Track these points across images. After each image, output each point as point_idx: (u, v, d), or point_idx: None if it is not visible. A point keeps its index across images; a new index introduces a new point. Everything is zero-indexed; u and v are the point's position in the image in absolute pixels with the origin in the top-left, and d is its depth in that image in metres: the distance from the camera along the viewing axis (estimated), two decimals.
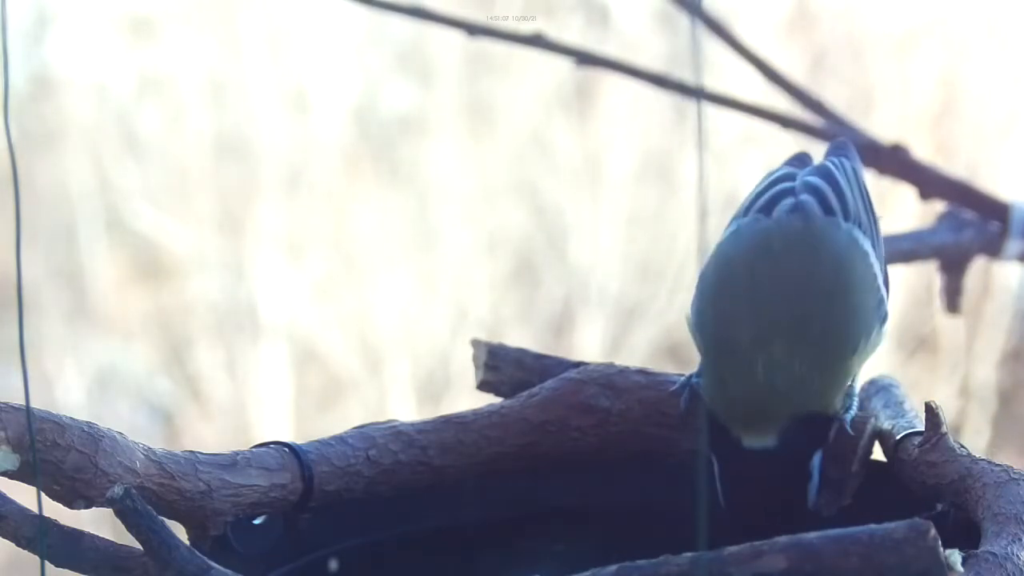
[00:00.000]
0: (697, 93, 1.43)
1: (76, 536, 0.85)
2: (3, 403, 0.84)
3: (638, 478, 0.98)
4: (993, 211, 1.48)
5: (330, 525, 0.94)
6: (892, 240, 1.03)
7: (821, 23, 4.15)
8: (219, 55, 4.22)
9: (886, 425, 0.95)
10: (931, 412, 0.91)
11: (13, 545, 0.84)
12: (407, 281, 4.08)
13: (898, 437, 0.94)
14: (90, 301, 4.15)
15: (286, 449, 0.92)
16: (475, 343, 1.03)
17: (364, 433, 0.95)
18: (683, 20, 3.32)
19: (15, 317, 0.79)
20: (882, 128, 2.48)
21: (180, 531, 0.86)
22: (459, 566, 0.99)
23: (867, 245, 0.95)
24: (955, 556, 0.76)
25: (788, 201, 0.95)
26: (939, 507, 0.90)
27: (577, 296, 4.08)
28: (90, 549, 0.84)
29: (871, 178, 1.46)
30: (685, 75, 1.45)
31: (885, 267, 0.97)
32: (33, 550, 0.84)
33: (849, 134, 1.45)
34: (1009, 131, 4.01)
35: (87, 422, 0.86)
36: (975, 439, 3.73)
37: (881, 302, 0.94)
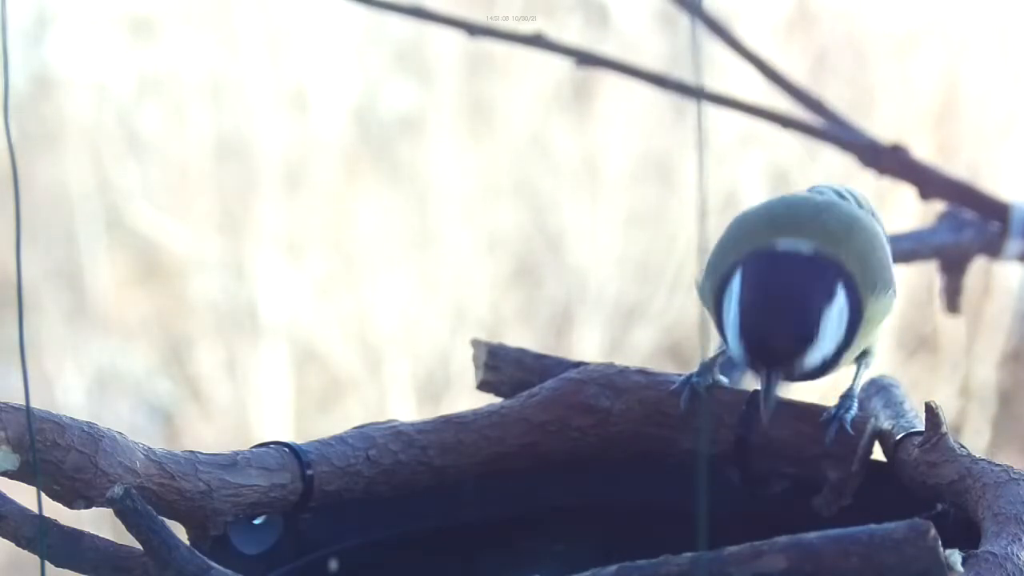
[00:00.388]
0: (697, 93, 1.43)
1: (76, 536, 0.85)
2: (3, 403, 0.84)
3: (638, 478, 0.98)
4: (993, 211, 1.48)
5: (330, 525, 0.94)
6: (892, 240, 1.03)
7: (821, 23, 4.15)
8: (219, 55, 4.22)
9: (886, 425, 0.95)
10: (931, 412, 0.91)
11: (13, 545, 0.84)
12: (407, 281, 4.08)
13: (898, 437, 0.94)
14: (90, 301, 4.15)
15: (286, 449, 0.92)
16: (475, 343, 1.03)
17: (364, 433, 0.95)
18: (683, 20, 3.32)
19: (15, 317, 0.79)
20: (883, 128, 2.48)
21: (180, 531, 0.86)
22: (459, 566, 1.00)
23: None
24: (955, 556, 0.76)
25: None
26: (939, 507, 0.90)
27: (576, 296, 4.09)
28: (90, 549, 0.84)
29: (871, 178, 1.47)
30: (685, 75, 1.45)
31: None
32: (33, 550, 0.84)
33: (849, 134, 1.46)
34: (1010, 131, 4.01)
35: (87, 422, 0.86)
36: (975, 439, 3.73)
37: (892, 276, 0.96)
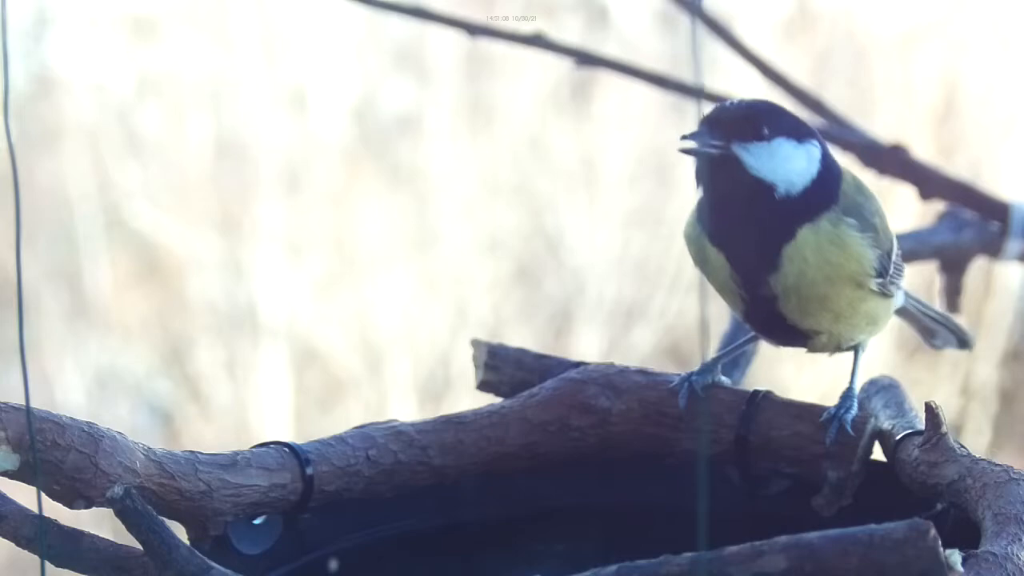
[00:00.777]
0: (697, 93, 1.43)
1: (76, 536, 0.85)
2: (3, 403, 0.84)
3: (638, 478, 0.98)
4: (993, 211, 1.48)
5: (330, 525, 0.94)
6: None
7: (822, 23, 4.15)
8: (218, 55, 4.22)
9: (886, 425, 0.95)
10: (931, 412, 0.91)
11: (13, 545, 0.84)
12: (407, 281, 4.08)
13: (898, 437, 0.94)
14: (90, 301, 4.15)
15: (286, 449, 0.92)
16: (475, 343, 1.03)
17: (364, 433, 0.95)
18: (683, 20, 3.32)
19: (15, 317, 0.79)
20: (883, 128, 2.48)
21: (180, 531, 0.86)
22: (459, 566, 0.99)
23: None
24: (955, 556, 0.76)
25: None
26: (939, 507, 0.90)
27: (576, 296, 4.08)
28: (90, 549, 0.85)
29: (871, 178, 1.47)
30: (685, 75, 1.45)
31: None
32: (33, 550, 0.84)
33: (849, 134, 1.45)
34: (1010, 131, 4.01)
35: (87, 422, 0.86)
36: (975, 439, 3.73)
37: (895, 262, 0.97)
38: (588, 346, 3.94)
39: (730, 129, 0.93)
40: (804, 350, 0.99)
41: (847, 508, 0.93)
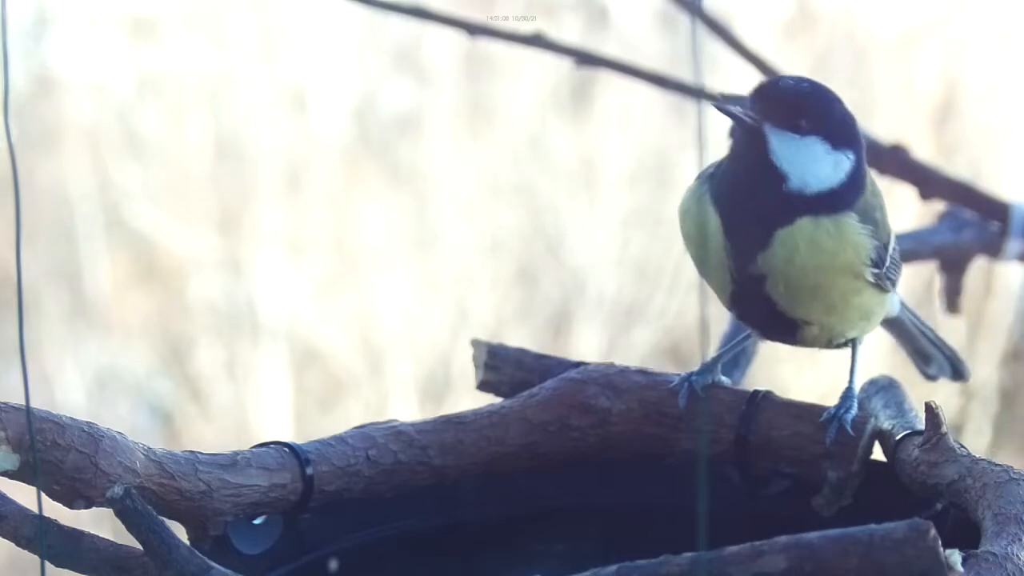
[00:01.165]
0: (697, 93, 1.43)
1: (76, 536, 0.85)
2: (3, 403, 0.84)
3: (638, 478, 0.98)
4: (993, 211, 1.48)
5: (330, 525, 0.94)
6: None
7: (821, 23, 4.15)
8: (218, 55, 4.22)
9: (886, 425, 0.95)
10: (931, 412, 0.91)
11: (13, 545, 0.84)
12: (407, 281, 4.08)
13: (898, 437, 0.94)
14: (90, 301, 4.15)
15: (286, 449, 0.92)
16: (475, 343, 1.03)
17: (364, 433, 0.95)
18: (683, 20, 3.32)
19: (15, 317, 0.79)
20: (884, 128, 2.48)
21: (180, 531, 0.86)
22: (459, 566, 0.99)
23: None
24: (955, 556, 0.76)
25: None
26: (939, 507, 0.90)
27: (575, 297, 4.08)
28: (90, 549, 0.84)
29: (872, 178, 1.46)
30: (685, 75, 1.45)
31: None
32: (33, 550, 0.84)
33: None
34: (1010, 131, 4.01)
35: (87, 422, 0.86)
36: (976, 439, 3.73)
37: (892, 256, 0.96)
38: (588, 346, 3.94)
39: (771, 107, 0.92)
40: (794, 345, 0.99)
41: (847, 508, 0.93)
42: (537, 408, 0.97)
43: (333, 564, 0.95)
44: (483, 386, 1.02)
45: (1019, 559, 0.80)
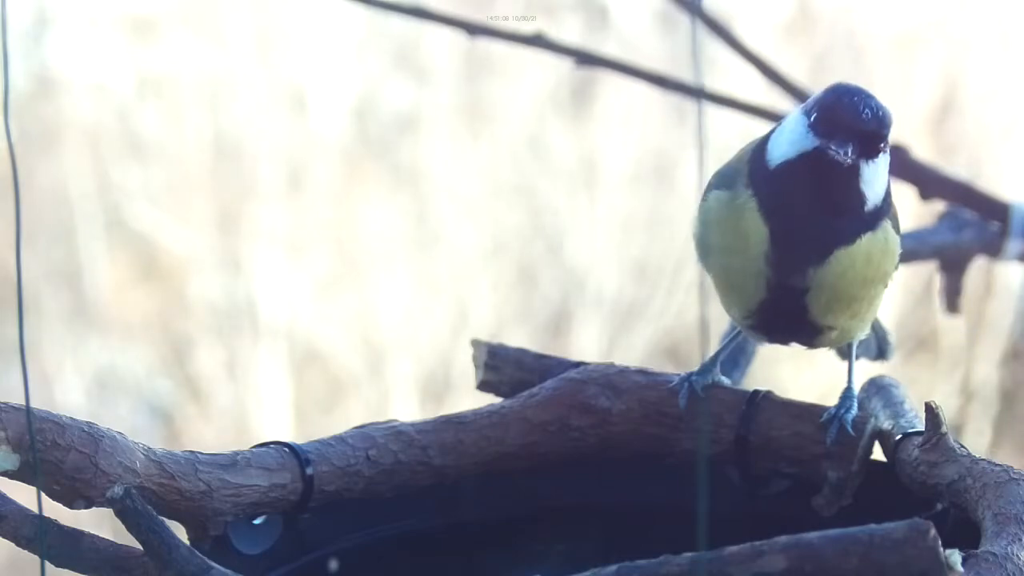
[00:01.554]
0: (697, 93, 1.43)
1: (76, 536, 0.85)
2: (3, 403, 0.84)
3: (638, 478, 0.98)
4: (993, 211, 1.48)
5: (330, 525, 0.94)
6: None
7: (821, 23, 4.15)
8: (218, 55, 4.22)
9: (886, 425, 0.95)
10: (931, 412, 0.91)
11: (13, 545, 0.84)
12: (407, 281, 4.08)
13: (898, 437, 0.94)
14: (90, 301, 4.14)
15: (286, 449, 0.92)
16: (475, 343, 1.03)
17: (364, 433, 0.95)
18: (683, 20, 3.32)
19: (15, 317, 0.79)
20: None
21: (180, 531, 0.86)
22: (459, 566, 1.00)
23: None
24: (955, 556, 0.76)
25: None
26: (939, 507, 0.90)
27: (575, 297, 4.08)
28: (90, 549, 0.84)
29: None
30: (685, 75, 1.45)
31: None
32: (33, 550, 0.84)
33: None
34: (1010, 131, 4.01)
35: (87, 422, 0.86)
36: (976, 439, 3.73)
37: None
38: (588, 346, 3.94)
39: (867, 142, 0.92)
40: (803, 347, 0.99)
41: (847, 508, 0.93)
42: (537, 408, 0.97)
43: (333, 564, 0.95)
44: (483, 386, 1.03)
45: (1019, 559, 0.80)
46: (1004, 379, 3.93)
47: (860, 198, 0.92)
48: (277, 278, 4.10)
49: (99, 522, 0.95)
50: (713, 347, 0.99)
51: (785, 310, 0.93)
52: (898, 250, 0.94)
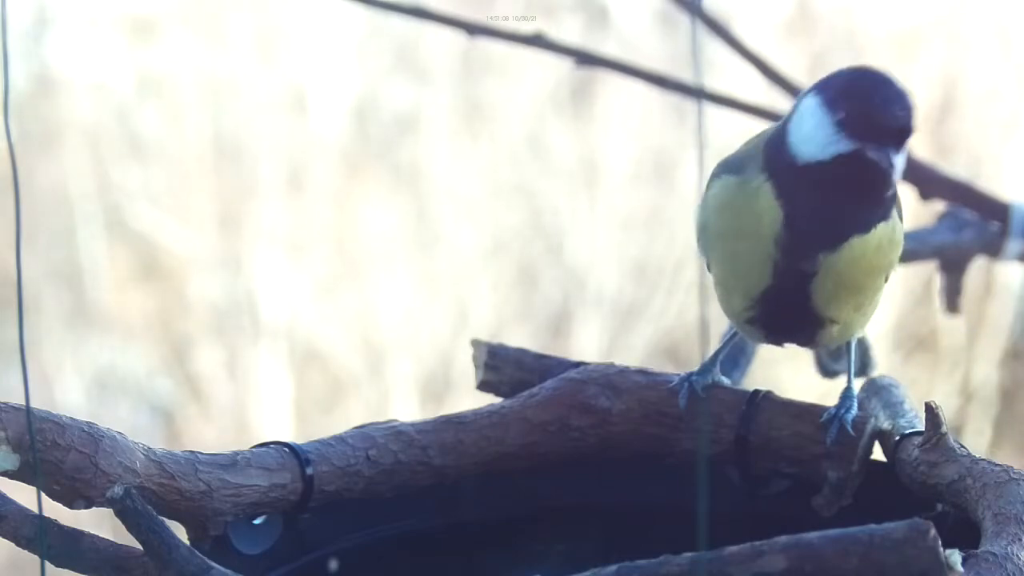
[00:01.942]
0: (697, 93, 1.43)
1: (76, 536, 0.85)
2: (3, 403, 0.84)
3: (638, 478, 0.98)
4: (993, 211, 1.48)
5: (330, 525, 0.94)
6: None
7: (821, 23, 4.15)
8: (218, 55, 4.22)
9: (886, 425, 0.95)
10: (931, 412, 0.91)
11: (13, 545, 0.84)
12: (408, 281, 4.08)
13: (898, 437, 0.94)
14: (90, 301, 4.15)
15: (286, 449, 0.92)
16: (475, 343, 1.03)
17: (364, 433, 0.95)
18: (683, 20, 3.32)
19: (15, 317, 0.79)
20: None
21: (180, 531, 0.86)
22: (459, 566, 1.00)
23: None
24: (955, 556, 0.76)
25: None
26: (939, 507, 0.90)
27: (575, 297, 4.08)
28: (90, 549, 0.85)
29: None
30: (685, 75, 1.45)
31: None
32: (33, 550, 0.84)
33: None
34: (1011, 131, 4.01)
35: (87, 422, 0.86)
36: (975, 439, 3.73)
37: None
38: (588, 346, 3.94)
39: (903, 139, 0.91)
40: (806, 347, 0.99)
41: (847, 508, 0.93)
42: (537, 408, 0.97)
43: (333, 564, 0.95)
44: (483, 386, 1.03)
45: (1019, 559, 0.80)
46: (1004, 379, 3.93)
47: (889, 190, 0.91)
48: (277, 278, 4.10)
49: (99, 522, 0.95)
50: (713, 347, 0.99)
51: (788, 300, 0.92)
52: (902, 239, 0.94)
